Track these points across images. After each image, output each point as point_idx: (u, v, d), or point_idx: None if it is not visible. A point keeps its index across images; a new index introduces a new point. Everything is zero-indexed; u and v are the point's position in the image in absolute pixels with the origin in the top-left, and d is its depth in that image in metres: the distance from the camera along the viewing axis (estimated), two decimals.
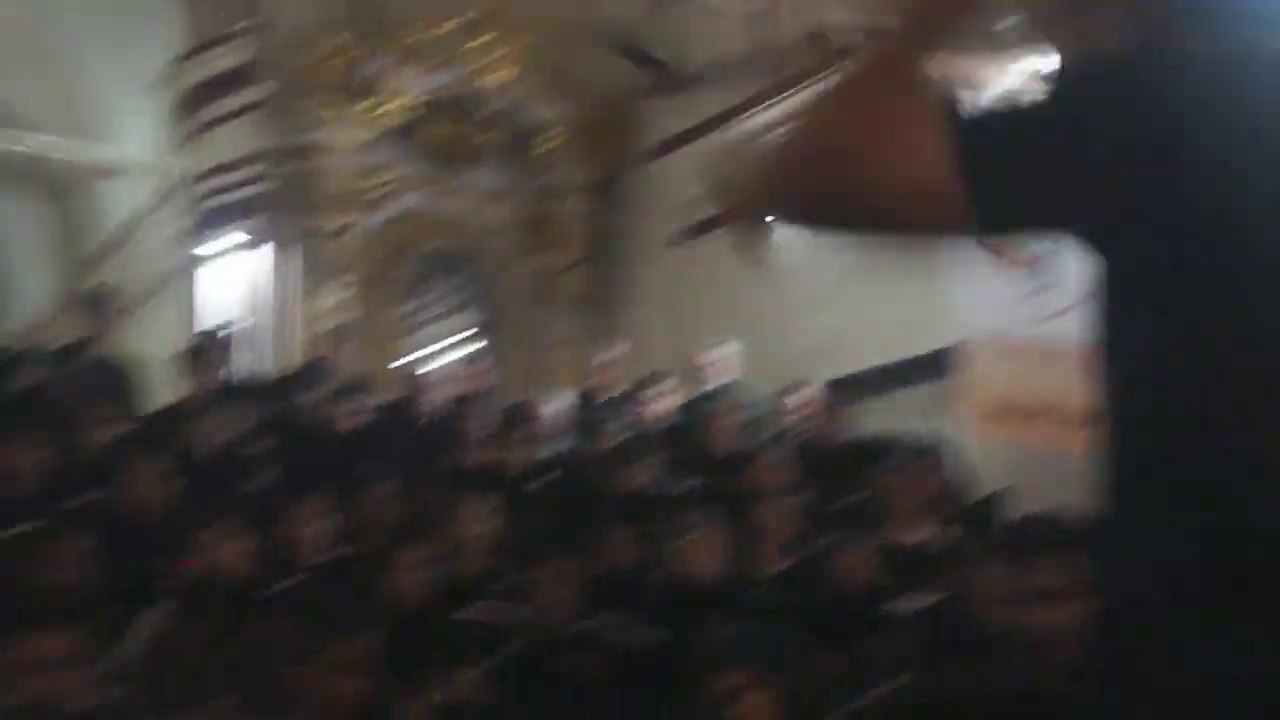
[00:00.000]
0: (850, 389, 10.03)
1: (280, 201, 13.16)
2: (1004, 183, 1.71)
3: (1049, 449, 8.26)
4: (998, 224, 1.79)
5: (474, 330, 14.16)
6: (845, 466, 8.83)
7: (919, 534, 7.74)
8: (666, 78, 12.50)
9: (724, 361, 10.49)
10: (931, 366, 9.78)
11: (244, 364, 12.26)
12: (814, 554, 7.22)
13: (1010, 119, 1.78)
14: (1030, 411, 8.68)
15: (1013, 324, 8.78)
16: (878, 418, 10.07)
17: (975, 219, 1.70)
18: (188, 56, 14.18)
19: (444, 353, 13.79)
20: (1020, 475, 8.42)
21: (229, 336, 11.64)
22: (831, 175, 1.76)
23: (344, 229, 12.96)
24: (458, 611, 6.42)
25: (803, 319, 11.23)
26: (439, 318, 14.44)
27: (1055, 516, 4.29)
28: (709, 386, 10.33)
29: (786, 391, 9.82)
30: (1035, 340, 8.58)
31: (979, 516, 8.04)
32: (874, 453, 8.75)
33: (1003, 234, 1.90)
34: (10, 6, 17.98)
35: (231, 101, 13.76)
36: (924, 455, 8.17)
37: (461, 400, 9.62)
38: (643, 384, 10.61)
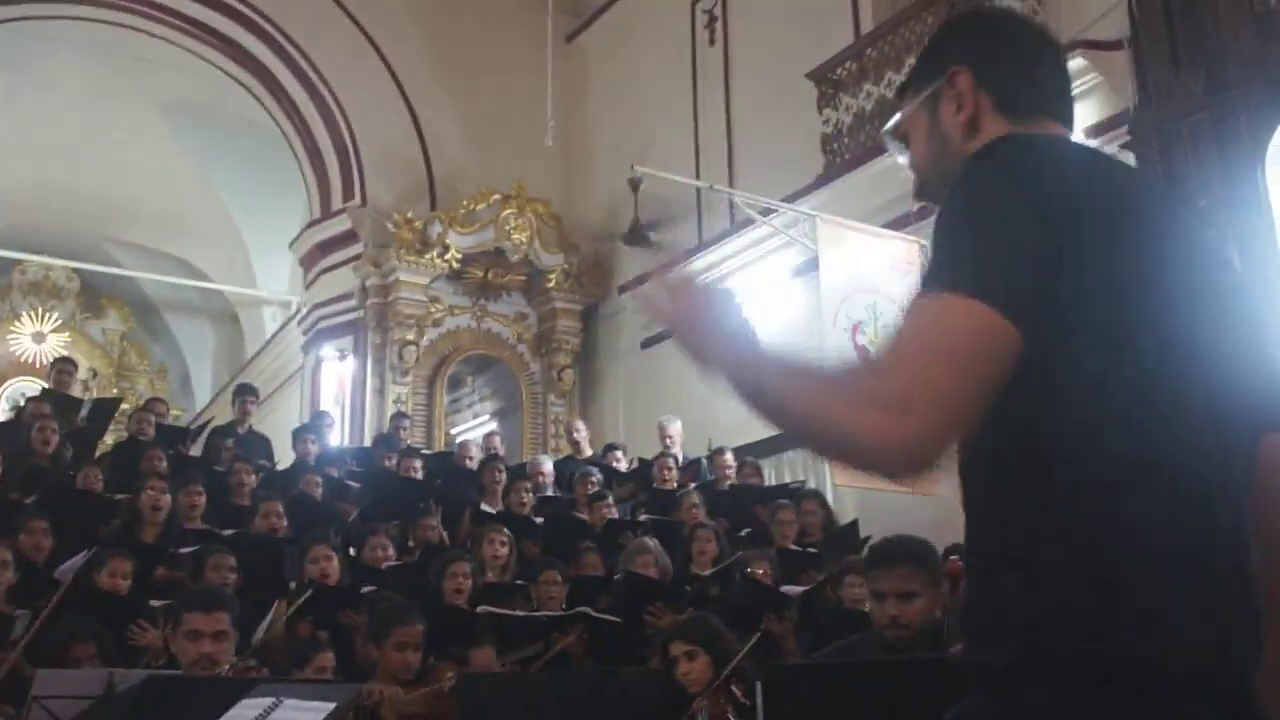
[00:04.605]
0: (756, 451, 9.96)
1: (368, 322, 13.15)
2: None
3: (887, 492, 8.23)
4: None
5: (497, 412, 14.06)
6: (749, 503, 8.76)
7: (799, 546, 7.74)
8: (635, 236, 12.53)
9: (675, 431, 10.38)
10: None
11: (342, 435, 12.25)
12: (730, 562, 7.18)
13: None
14: None
15: None
16: (775, 471, 10.06)
17: None
18: (310, 225, 14.22)
19: (476, 428, 13.64)
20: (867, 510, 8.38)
21: (330, 416, 11.62)
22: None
23: (410, 341, 12.94)
24: (481, 606, 6.34)
25: (722, 402, 11.22)
26: (474, 403, 14.40)
27: (899, 539, 4.11)
28: (668, 447, 10.13)
29: (713, 454, 9.77)
30: None
31: (843, 536, 8.01)
32: (771, 494, 8.74)
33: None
34: (194, 192, 18.07)
35: (338, 255, 13.80)
36: (804, 496, 8.16)
37: (487, 460, 9.47)
38: (607, 449, 10.53)
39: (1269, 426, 1.56)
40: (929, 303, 1.41)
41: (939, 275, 1.42)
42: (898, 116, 1.83)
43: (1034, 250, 1.40)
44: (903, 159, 1.85)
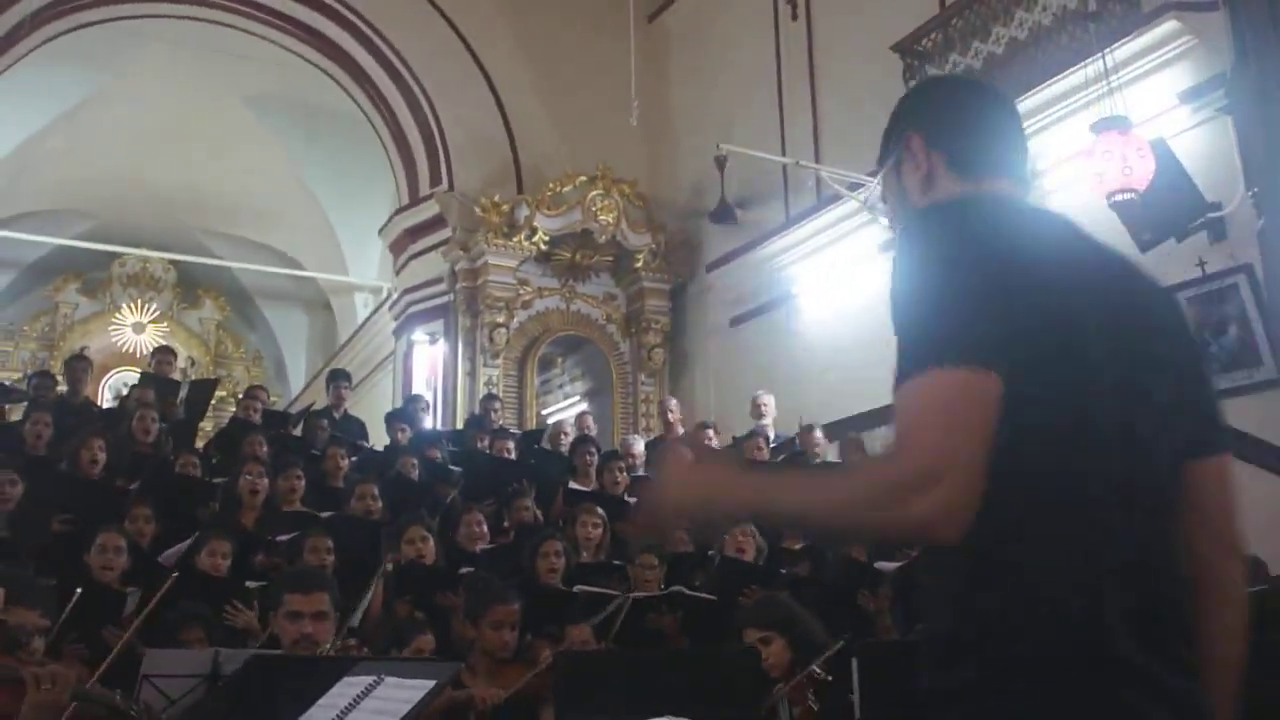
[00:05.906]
0: (847, 427, 9.91)
1: (458, 306, 13.26)
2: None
3: None
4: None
5: (588, 392, 14.11)
6: None
7: None
8: (722, 214, 12.47)
9: (769, 402, 10.39)
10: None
11: (434, 417, 12.36)
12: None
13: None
14: None
15: None
16: (869, 446, 9.98)
17: None
18: (398, 212, 14.36)
19: (567, 408, 13.68)
20: None
21: (425, 399, 11.72)
22: None
23: (500, 324, 13.03)
24: (576, 586, 6.37)
25: (813, 380, 11.17)
26: (564, 384, 14.48)
27: None
28: (763, 420, 10.17)
29: (802, 430, 9.73)
30: None
31: None
32: None
33: None
34: (285, 182, 18.35)
35: (427, 240, 13.93)
36: None
37: (579, 441, 9.50)
38: (699, 427, 10.49)
39: (1191, 455, 1.74)
40: (920, 383, 1.54)
41: (921, 360, 1.55)
42: (876, 184, 2.05)
43: (988, 306, 1.56)
44: (886, 220, 2.05)
